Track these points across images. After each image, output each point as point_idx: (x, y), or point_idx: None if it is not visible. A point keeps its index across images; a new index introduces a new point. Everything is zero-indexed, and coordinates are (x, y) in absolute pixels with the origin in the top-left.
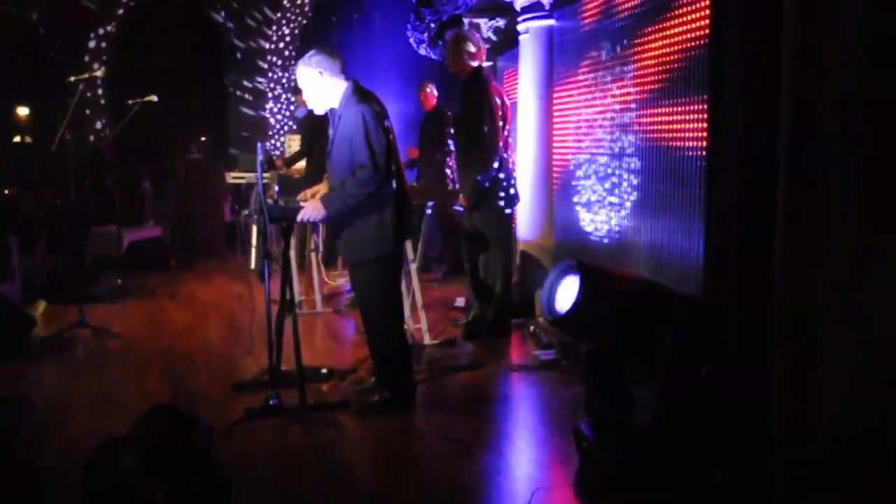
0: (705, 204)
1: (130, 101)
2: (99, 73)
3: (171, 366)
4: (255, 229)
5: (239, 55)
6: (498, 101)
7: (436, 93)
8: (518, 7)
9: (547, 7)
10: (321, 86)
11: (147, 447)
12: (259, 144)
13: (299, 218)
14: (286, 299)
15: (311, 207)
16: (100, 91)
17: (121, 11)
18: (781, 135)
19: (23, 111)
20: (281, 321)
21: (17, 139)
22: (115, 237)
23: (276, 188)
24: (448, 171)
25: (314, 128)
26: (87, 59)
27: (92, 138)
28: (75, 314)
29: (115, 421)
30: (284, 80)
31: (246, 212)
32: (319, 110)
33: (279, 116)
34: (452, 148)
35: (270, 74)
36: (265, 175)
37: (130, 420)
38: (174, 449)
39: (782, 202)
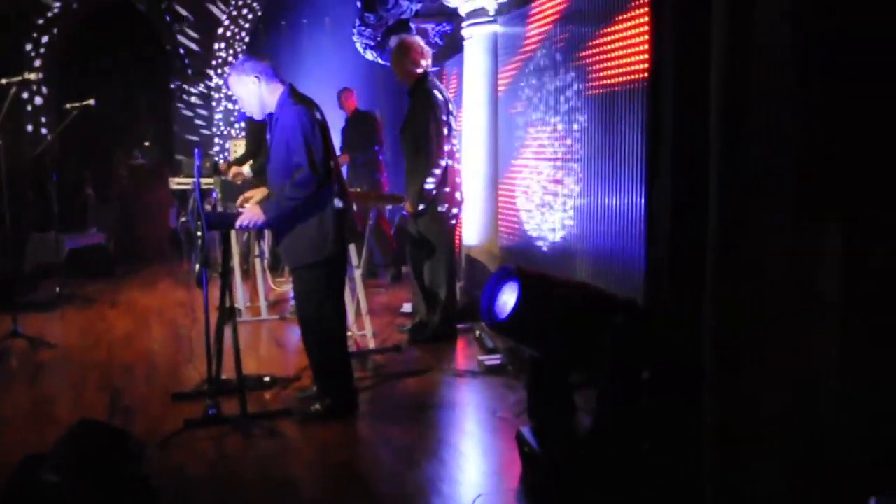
0: (645, 210)
1: (68, 106)
2: (33, 76)
3: (108, 377)
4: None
5: (185, 60)
6: (443, 107)
7: (354, 96)
8: (463, 13)
9: (491, 13)
10: (258, 92)
11: (73, 463)
12: (196, 150)
13: (238, 224)
14: (225, 307)
15: (250, 213)
16: (38, 97)
17: (59, 12)
18: (712, 136)
19: None
20: (220, 329)
21: None
22: (55, 244)
23: (214, 194)
24: (377, 175)
25: (257, 132)
26: (30, 55)
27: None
28: (9, 321)
29: (48, 436)
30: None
31: (183, 218)
32: (259, 115)
33: (224, 122)
34: (377, 149)
35: (216, 80)
36: (208, 181)
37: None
38: (101, 464)
39: (714, 205)
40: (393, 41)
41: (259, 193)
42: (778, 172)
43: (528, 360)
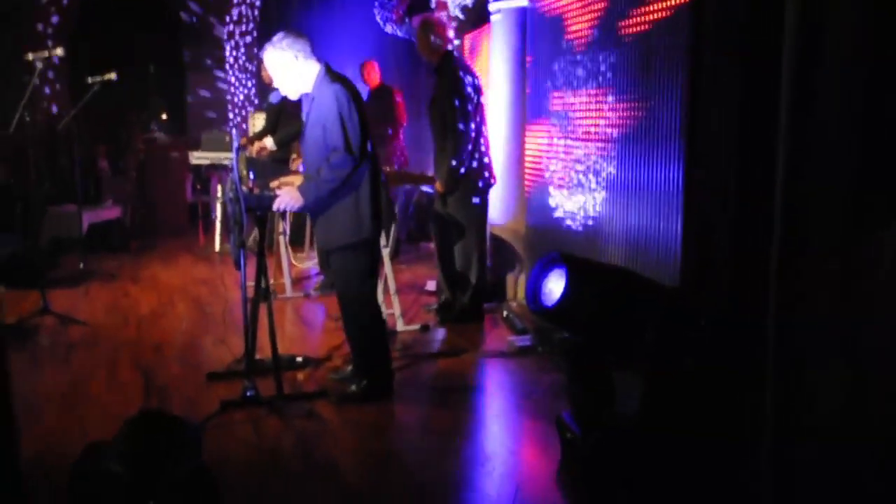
0: (684, 190)
1: (90, 80)
2: (59, 52)
3: (140, 356)
4: (218, 209)
5: (196, 27)
6: (470, 84)
7: (378, 69)
8: None
9: None
10: (296, 69)
11: (136, 455)
12: (234, 131)
13: (275, 206)
14: (262, 287)
15: (288, 196)
16: (49, 70)
17: None
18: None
19: None
20: (256, 310)
21: None
22: (75, 217)
23: (251, 175)
24: (396, 147)
25: (279, 112)
26: (39, 28)
27: (45, 115)
28: (36, 299)
29: (88, 415)
30: (243, 58)
31: (220, 197)
32: (294, 95)
33: (240, 94)
34: (402, 123)
35: (230, 50)
36: (230, 155)
37: (104, 414)
38: (164, 455)
39: (780, 195)
40: (416, 20)
41: (296, 179)
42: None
43: (564, 343)
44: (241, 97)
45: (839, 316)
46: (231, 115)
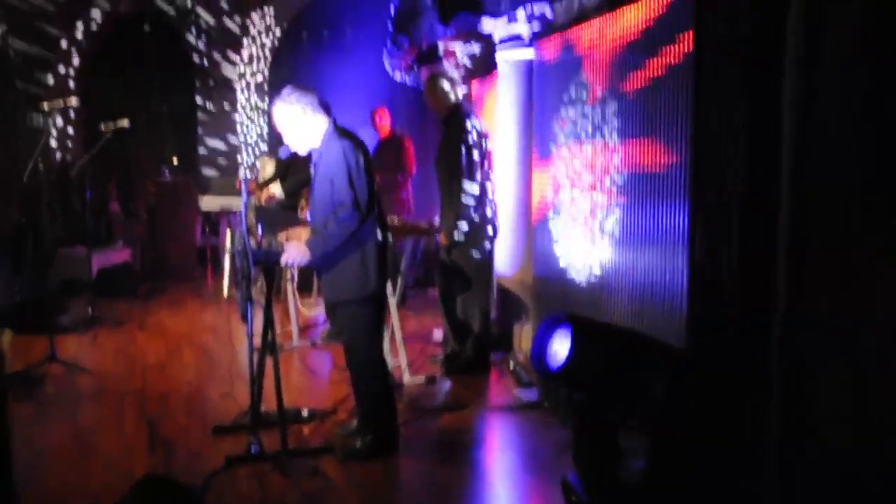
0: (689, 242)
1: (102, 127)
2: (73, 102)
3: (146, 406)
4: (227, 256)
5: (209, 76)
6: (477, 138)
7: (390, 116)
8: (497, 38)
9: (526, 39)
10: (304, 124)
11: None
12: (243, 181)
13: (283, 261)
14: (268, 340)
15: (295, 251)
16: (70, 115)
17: (91, 28)
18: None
19: None
20: (262, 363)
21: None
22: (84, 260)
23: (259, 227)
24: (405, 196)
25: (289, 164)
26: (53, 77)
27: (59, 157)
28: (44, 346)
29: (92, 471)
30: (255, 98)
31: (227, 255)
32: (303, 150)
33: (251, 134)
34: (412, 171)
35: (241, 90)
36: (240, 200)
37: (108, 469)
38: None
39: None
40: (425, 73)
41: (304, 232)
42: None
43: (570, 401)
44: (254, 135)
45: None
46: (242, 158)
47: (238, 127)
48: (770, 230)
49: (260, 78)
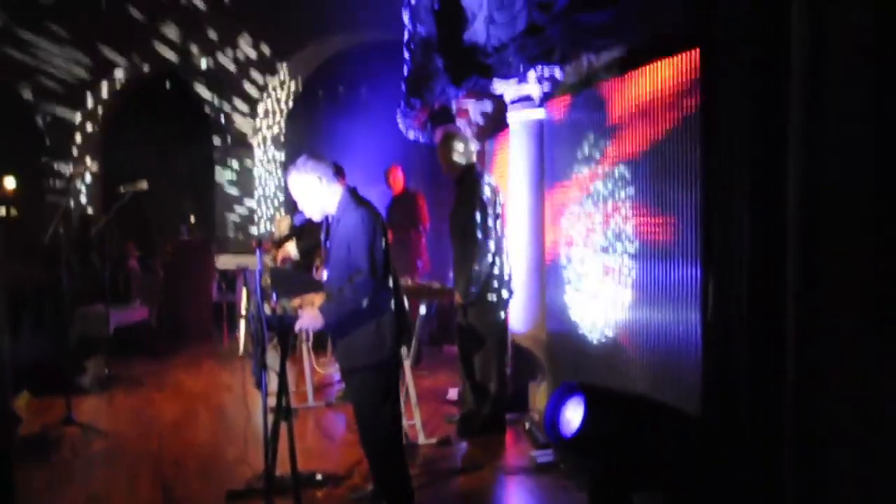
0: (701, 309)
1: (122, 189)
2: (92, 167)
3: (161, 470)
4: (243, 313)
5: (227, 133)
6: (490, 197)
7: (403, 175)
8: (508, 99)
9: (537, 100)
10: (320, 192)
11: None
12: (258, 249)
13: (297, 327)
14: (282, 406)
15: (309, 316)
16: (90, 175)
17: (115, 87)
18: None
19: (9, 183)
20: (276, 429)
21: (2, 211)
22: (103, 318)
23: (273, 295)
24: (420, 253)
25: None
26: (76, 140)
27: (79, 214)
28: (61, 406)
29: None
30: (272, 154)
31: (243, 314)
32: (318, 217)
33: (268, 190)
34: (426, 227)
35: (257, 149)
36: (253, 259)
37: None
38: None
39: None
40: (438, 134)
41: (317, 298)
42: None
43: (584, 466)
44: (272, 187)
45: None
46: (259, 210)
47: (256, 181)
48: (780, 300)
49: (276, 129)
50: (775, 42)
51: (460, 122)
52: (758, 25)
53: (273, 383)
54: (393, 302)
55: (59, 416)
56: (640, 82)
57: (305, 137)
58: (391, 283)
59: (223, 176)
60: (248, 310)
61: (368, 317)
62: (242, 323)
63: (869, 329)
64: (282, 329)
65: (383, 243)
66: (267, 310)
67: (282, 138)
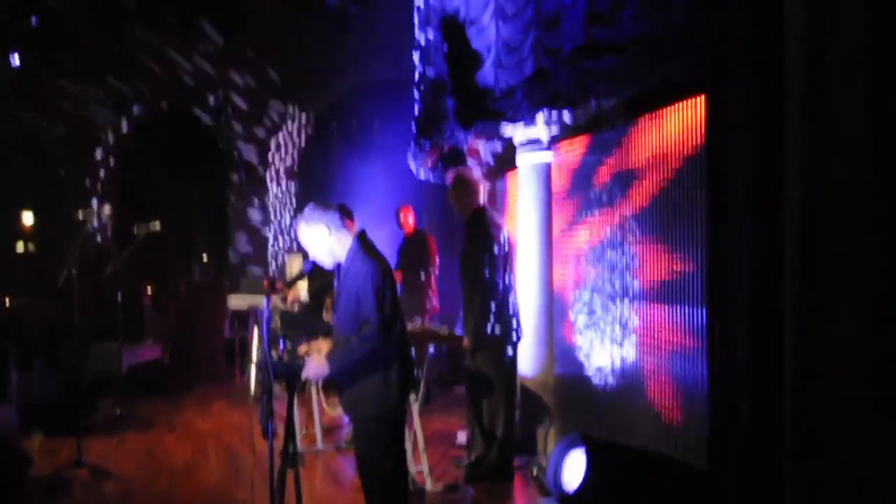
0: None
1: (135, 230)
2: (106, 210)
3: None
4: (254, 349)
5: (242, 172)
6: (500, 241)
7: (414, 215)
8: (517, 142)
9: (545, 143)
10: (328, 242)
11: None
12: (266, 299)
13: (303, 375)
14: (289, 453)
15: (315, 365)
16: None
17: (130, 122)
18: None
19: (27, 218)
20: (283, 475)
21: (20, 247)
22: (116, 356)
23: (281, 342)
24: (429, 292)
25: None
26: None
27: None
28: (72, 447)
29: None
30: (284, 185)
31: (254, 363)
32: (329, 264)
33: (280, 234)
34: (436, 268)
35: (272, 190)
36: (262, 298)
37: None
38: None
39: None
40: (449, 176)
41: (325, 345)
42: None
43: None
44: (287, 218)
45: None
46: (270, 241)
47: (270, 216)
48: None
49: (290, 164)
50: (773, 94)
51: (471, 162)
52: (759, 75)
53: (281, 427)
54: (401, 350)
55: (69, 456)
56: (647, 127)
57: (319, 172)
58: (401, 330)
59: (237, 211)
60: (258, 354)
61: (375, 367)
62: (254, 364)
63: (870, 402)
64: (289, 377)
65: (391, 294)
66: (274, 355)
67: (295, 173)
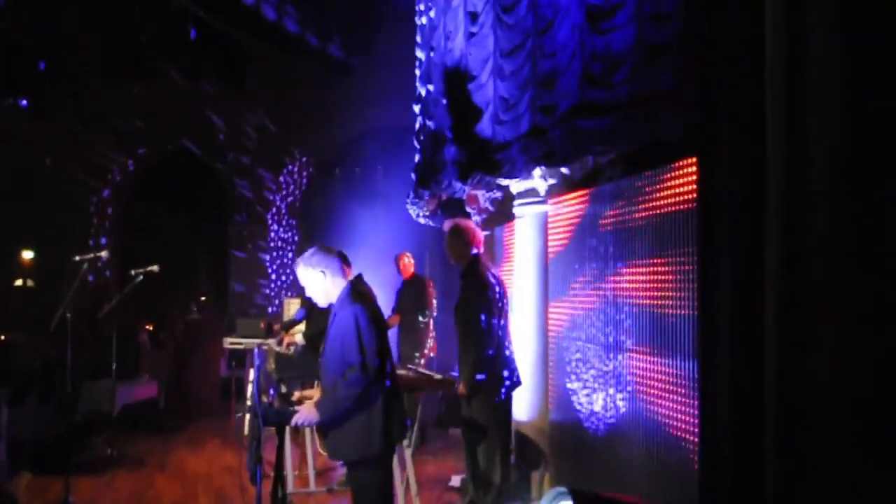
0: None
1: (133, 272)
2: (104, 254)
3: None
4: (249, 387)
5: (244, 214)
6: (495, 290)
7: (413, 261)
8: (514, 192)
9: (542, 194)
10: (323, 285)
11: None
12: (256, 351)
13: (293, 422)
14: (278, 497)
15: (305, 412)
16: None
17: (134, 162)
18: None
19: (27, 254)
20: None
21: (18, 283)
22: (109, 393)
23: (272, 392)
24: (428, 336)
25: (309, 312)
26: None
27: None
28: (60, 486)
29: None
30: (287, 237)
31: (246, 407)
32: (323, 304)
33: (280, 275)
34: (434, 312)
35: (273, 231)
36: (261, 341)
37: None
38: None
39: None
40: (446, 225)
41: (316, 393)
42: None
43: None
44: (286, 260)
45: None
46: (270, 292)
47: (270, 258)
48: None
49: (292, 203)
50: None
51: (470, 209)
52: (743, 142)
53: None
54: (387, 395)
55: (57, 495)
56: (642, 184)
57: (320, 214)
58: (387, 376)
59: (237, 252)
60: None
61: (359, 410)
62: (249, 404)
63: (858, 452)
64: (279, 423)
65: (377, 340)
66: (265, 400)
67: (297, 215)
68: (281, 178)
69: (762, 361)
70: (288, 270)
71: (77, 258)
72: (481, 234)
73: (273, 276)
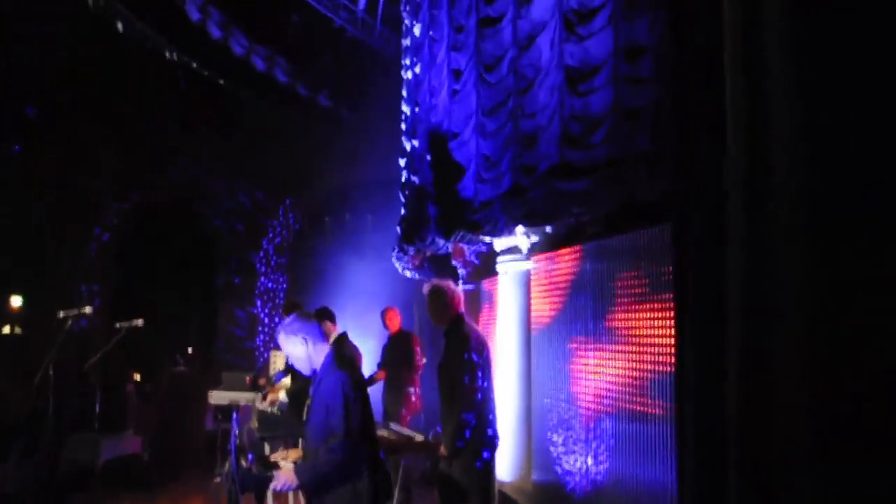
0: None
1: (118, 325)
2: (87, 310)
3: None
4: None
5: (232, 264)
6: (478, 350)
7: (400, 316)
8: (497, 249)
9: (524, 251)
10: (306, 352)
11: None
12: (234, 414)
13: (272, 487)
14: None
15: (284, 476)
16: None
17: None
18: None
19: (15, 301)
20: None
21: (6, 330)
22: (94, 446)
23: (251, 457)
24: (411, 392)
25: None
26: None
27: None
28: None
29: None
30: (276, 285)
31: (225, 469)
32: (306, 371)
33: (267, 327)
34: (419, 367)
35: (261, 283)
36: (248, 396)
37: None
38: None
39: None
40: (426, 287)
41: (294, 454)
42: None
43: None
44: (274, 311)
45: None
46: (258, 345)
47: (258, 309)
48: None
49: (280, 255)
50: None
51: (456, 262)
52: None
53: None
54: (371, 461)
55: None
56: (622, 245)
57: (309, 265)
58: (371, 443)
59: (225, 304)
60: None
61: (344, 480)
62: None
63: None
64: (257, 489)
65: (361, 407)
66: (244, 464)
67: (286, 267)
68: (269, 229)
69: (722, 441)
70: (276, 320)
71: (61, 314)
72: (461, 294)
73: (260, 328)
